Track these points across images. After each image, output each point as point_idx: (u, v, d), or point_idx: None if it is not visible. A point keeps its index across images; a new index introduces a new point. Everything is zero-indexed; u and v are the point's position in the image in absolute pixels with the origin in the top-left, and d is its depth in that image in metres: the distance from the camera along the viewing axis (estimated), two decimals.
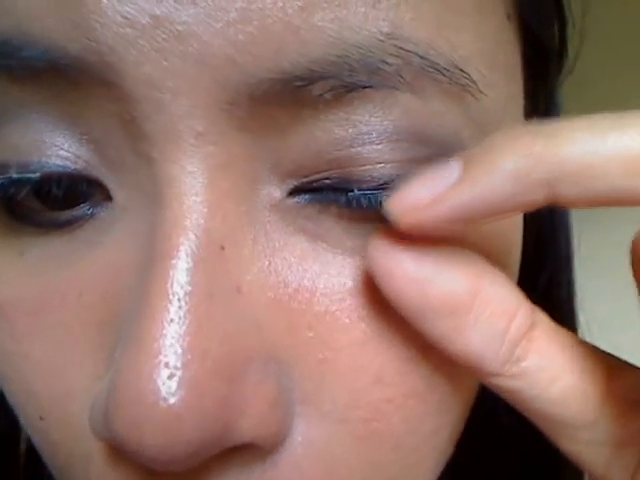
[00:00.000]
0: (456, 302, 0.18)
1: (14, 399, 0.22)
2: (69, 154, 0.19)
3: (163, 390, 0.17)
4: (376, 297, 0.19)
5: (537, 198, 0.16)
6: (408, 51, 0.18)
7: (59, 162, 0.19)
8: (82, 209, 0.20)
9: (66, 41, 0.17)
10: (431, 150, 0.19)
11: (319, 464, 0.19)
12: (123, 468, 0.19)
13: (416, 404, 0.20)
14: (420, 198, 0.17)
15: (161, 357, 0.17)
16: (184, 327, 0.17)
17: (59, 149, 0.19)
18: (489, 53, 0.20)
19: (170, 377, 0.17)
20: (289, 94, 0.18)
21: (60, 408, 0.20)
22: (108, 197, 0.20)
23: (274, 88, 0.17)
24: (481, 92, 0.20)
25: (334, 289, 0.19)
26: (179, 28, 0.17)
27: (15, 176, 0.20)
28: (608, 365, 0.19)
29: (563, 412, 0.18)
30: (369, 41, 0.17)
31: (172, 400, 0.17)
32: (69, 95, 0.19)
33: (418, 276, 0.18)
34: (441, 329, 0.18)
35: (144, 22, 0.17)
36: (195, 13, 0.17)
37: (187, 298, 0.17)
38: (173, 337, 0.17)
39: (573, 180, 0.16)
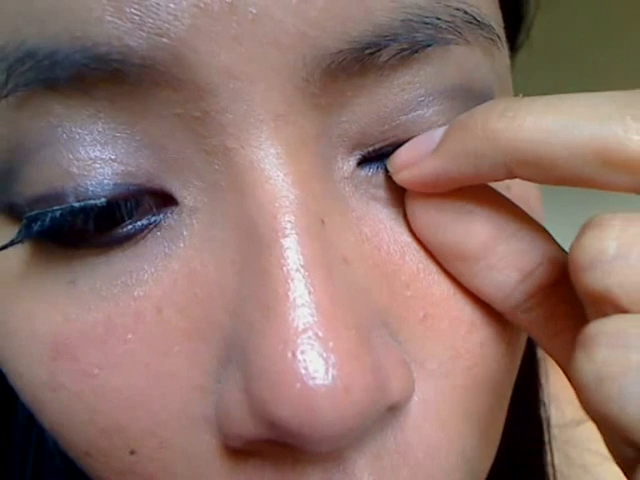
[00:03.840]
0: (466, 252, 0.19)
1: (88, 441, 0.20)
2: (129, 167, 0.18)
3: (323, 365, 0.17)
4: None
5: (497, 176, 0.18)
6: (455, 8, 0.19)
7: (119, 180, 0.18)
8: (142, 220, 0.19)
9: (131, 40, 0.17)
10: (476, 103, 0.20)
11: (435, 422, 0.20)
12: (255, 464, 0.19)
13: (502, 343, 0.21)
14: (407, 159, 0.19)
15: (310, 332, 0.17)
16: (320, 299, 0.17)
17: (117, 163, 0.18)
18: (497, 13, 0.22)
19: (326, 349, 0.17)
20: (356, 64, 0.18)
21: (155, 436, 0.19)
22: (170, 202, 0.19)
23: (346, 59, 0.18)
24: (503, 47, 0.22)
25: (418, 247, 0.20)
26: (253, 10, 0.17)
27: (77, 205, 0.18)
28: None
29: (562, 360, 0.20)
30: (423, 2, 0.18)
31: (336, 372, 0.17)
32: (123, 103, 0.18)
33: (436, 222, 0.19)
34: (453, 270, 0.20)
35: (217, 9, 0.17)
36: None
37: (312, 272, 0.17)
38: (314, 311, 0.17)
39: (528, 165, 0.17)
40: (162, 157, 0.19)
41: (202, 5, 0.17)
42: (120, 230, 0.19)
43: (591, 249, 0.16)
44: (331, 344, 0.17)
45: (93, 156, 0.18)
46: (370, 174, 0.20)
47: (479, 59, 0.20)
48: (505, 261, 0.19)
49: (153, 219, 0.19)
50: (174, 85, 0.17)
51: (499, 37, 0.21)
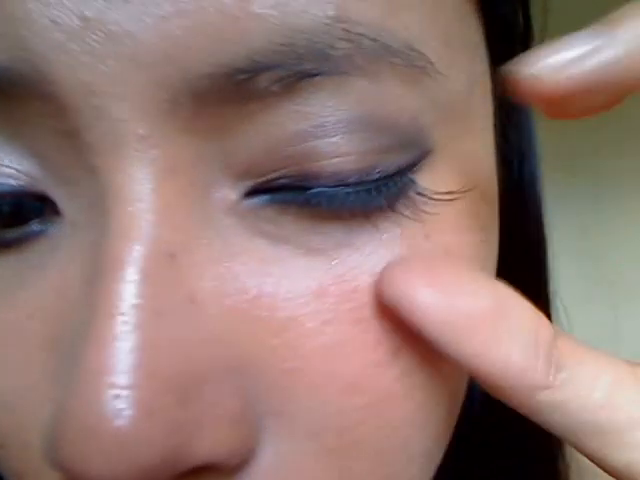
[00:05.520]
0: (482, 317, 0.17)
1: None
2: (12, 170, 0.18)
3: (108, 412, 0.16)
4: (343, 299, 0.18)
5: None
6: (358, 34, 0.17)
7: (1, 180, 0.18)
8: (31, 226, 0.19)
9: None
10: (392, 139, 0.18)
11: None
12: None
13: (393, 408, 0.19)
14: (562, 56, 0.16)
15: (106, 377, 0.16)
16: (130, 344, 0.16)
17: (1, 166, 0.18)
18: (446, 31, 0.19)
19: (116, 398, 0.16)
20: (233, 89, 0.16)
21: (17, 437, 0.20)
22: (57, 212, 0.19)
23: (217, 83, 0.16)
24: (440, 73, 0.19)
25: (298, 293, 0.18)
26: (111, 28, 0.16)
27: None
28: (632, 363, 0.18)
29: (611, 415, 0.17)
30: (315, 26, 0.16)
31: (118, 422, 0.16)
32: (6, 110, 0.17)
33: (440, 298, 0.17)
34: (474, 346, 0.17)
35: (73, 25, 0.16)
36: (127, 11, 0.16)
37: (134, 313, 0.16)
38: (119, 356, 0.16)
39: None
40: (47, 167, 0.18)
41: (57, 20, 0.16)
42: (6, 233, 0.19)
43: None
44: (123, 393, 0.16)
45: None
46: (260, 206, 0.18)
47: (395, 91, 0.18)
48: (514, 322, 0.17)
49: (39, 228, 0.19)
50: (43, 99, 0.17)
51: (432, 63, 0.18)
